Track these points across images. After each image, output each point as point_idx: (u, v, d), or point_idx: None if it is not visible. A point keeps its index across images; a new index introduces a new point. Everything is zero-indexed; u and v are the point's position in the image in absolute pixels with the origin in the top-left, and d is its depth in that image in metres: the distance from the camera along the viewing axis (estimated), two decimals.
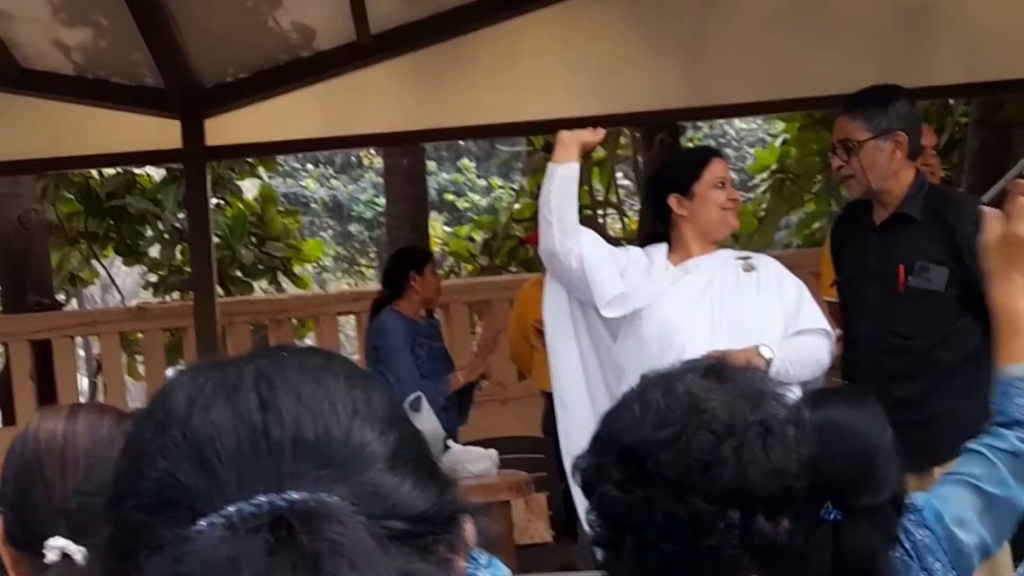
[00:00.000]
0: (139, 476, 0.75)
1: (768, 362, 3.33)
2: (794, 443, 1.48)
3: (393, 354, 5.30)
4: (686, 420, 1.47)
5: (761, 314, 3.49)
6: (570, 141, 3.59)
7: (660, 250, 3.66)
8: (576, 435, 3.58)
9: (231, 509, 0.69)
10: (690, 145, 10.89)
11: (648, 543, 1.46)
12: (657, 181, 3.92)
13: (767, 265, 3.66)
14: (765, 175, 10.31)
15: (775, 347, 3.40)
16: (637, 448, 1.48)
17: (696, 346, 3.32)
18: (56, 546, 1.37)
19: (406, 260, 5.65)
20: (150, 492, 0.73)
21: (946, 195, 3.91)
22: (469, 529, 0.78)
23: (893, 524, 1.84)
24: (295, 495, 0.70)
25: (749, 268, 3.60)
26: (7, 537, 1.50)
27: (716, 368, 1.57)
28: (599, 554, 1.54)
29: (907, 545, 1.88)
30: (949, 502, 1.91)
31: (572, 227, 3.53)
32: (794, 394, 1.66)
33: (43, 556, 1.39)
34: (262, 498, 0.69)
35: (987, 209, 2.13)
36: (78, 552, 1.37)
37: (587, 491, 1.54)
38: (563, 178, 3.54)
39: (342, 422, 0.75)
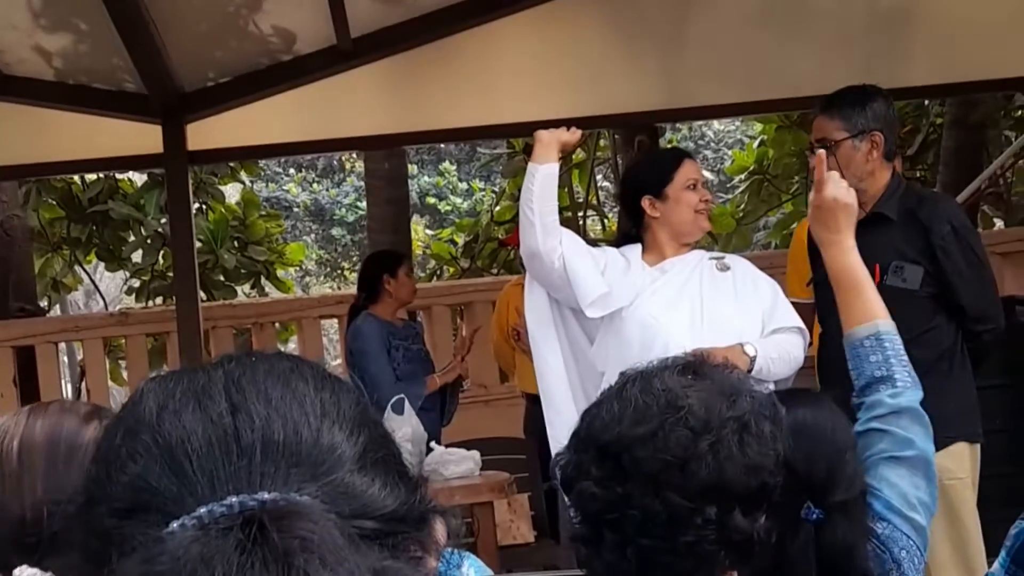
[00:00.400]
0: (110, 481, 0.75)
1: (752, 360, 3.36)
2: (770, 439, 1.50)
3: (367, 357, 5.32)
4: (663, 417, 1.49)
5: (740, 313, 3.52)
6: (549, 140, 3.62)
7: (635, 251, 3.67)
8: (563, 435, 3.59)
9: (202, 510, 0.70)
10: (670, 146, 10.95)
11: (626, 539, 1.48)
12: (629, 183, 3.94)
13: (741, 265, 3.70)
14: (743, 176, 10.37)
15: (757, 345, 3.43)
16: (614, 445, 1.50)
17: (677, 345, 3.30)
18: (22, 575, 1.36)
19: (379, 264, 5.66)
20: (121, 497, 0.74)
21: (921, 195, 3.96)
22: (440, 529, 0.80)
23: (866, 516, 1.87)
24: (266, 495, 0.71)
25: (723, 268, 3.64)
26: None
27: (693, 365, 1.58)
28: (579, 550, 1.56)
29: (875, 540, 1.90)
30: (885, 487, 1.91)
31: (553, 226, 3.53)
32: (768, 391, 1.68)
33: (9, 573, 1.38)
34: (233, 499, 0.71)
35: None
36: None
37: (566, 488, 1.56)
38: (543, 177, 3.56)
39: (311, 424, 0.76)
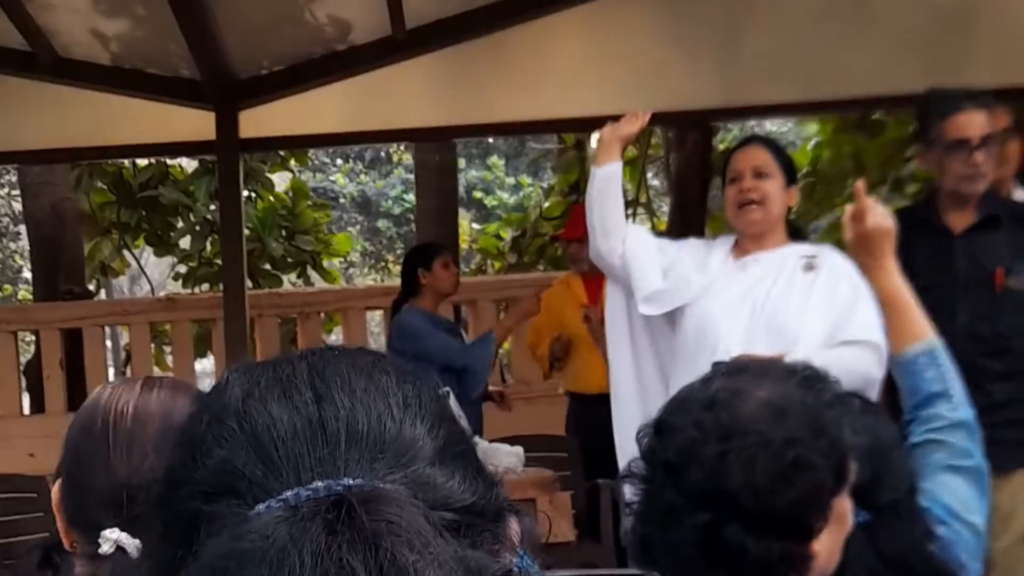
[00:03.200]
0: (195, 465, 0.76)
1: None
2: (795, 468, 1.45)
3: (422, 339, 5.26)
4: (697, 415, 1.49)
5: (802, 318, 3.33)
6: (609, 140, 3.55)
7: (727, 242, 3.55)
8: (628, 430, 3.57)
9: (289, 493, 0.70)
10: (721, 146, 10.86)
11: (639, 521, 1.52)
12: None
13: (832, 266, 3.42)
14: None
15: (808, 356, 3.27)
16: (660, 426, 1.53)
17: (728, 346, 3.28)
18: (111, 538, 1.36)
19: (414, 258, 5.63)
20: (206, 480, 0.75)
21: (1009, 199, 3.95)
22: (515, 527, 0.79)
23: (919, 512, 1.84)
24: (351, 481, 0.71)
25: (809, 268, 3.41)
26: (62, 506, 1.49)
27: (770, 371, 1.57)
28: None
29: (937, 543, 1.87)
30: (946, 493, 1.90)
31: (614, 228, 3.49)
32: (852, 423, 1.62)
33: (96, 539, 1.38)
34: (319, 483, 0.71)
35: (846, 211, 2.27)
36: (132, 545, 1.37)
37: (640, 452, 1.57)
38: (603, 179, 3.52)
39: (394, 415, 0.77)
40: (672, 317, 3.49)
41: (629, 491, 1.56)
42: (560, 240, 5.71)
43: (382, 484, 0.72)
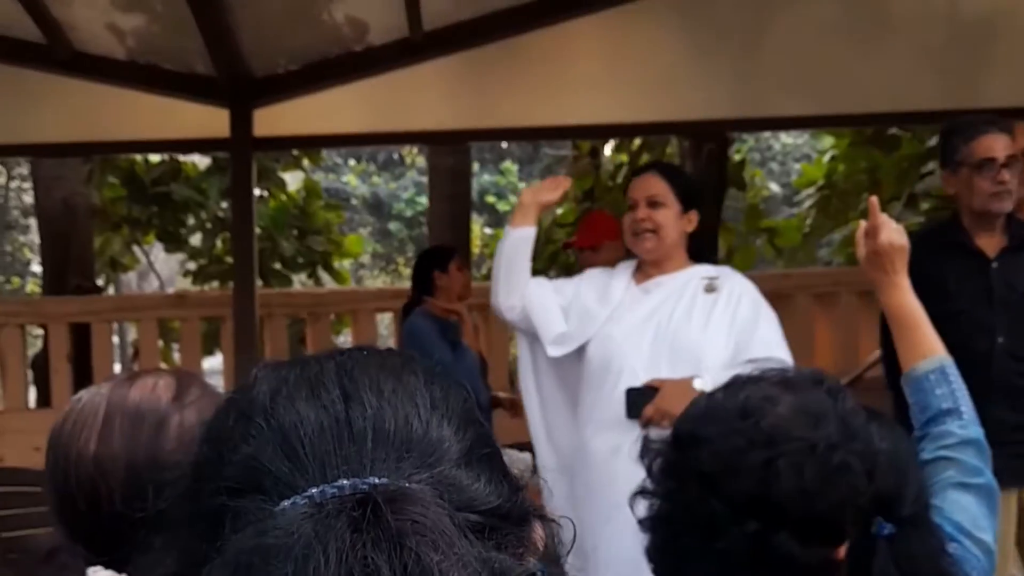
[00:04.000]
0: (221, 461, 0.76)
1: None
2: (839, 471, 1.45)
3: (429, 348, 5.25)
4: (732, 423, 1.48)
5: (703, 341, 3.37)
6: (529, 203, 3.60)
7: (629, 267, 3.64)
8: (546, 473, 3.65)
9: (314, 490, 0.71)
10: (737, 157, 10.83)
11: (672, 534, 1.50)
12: None
13: (732, 286, 3.50)
14: (811, 190, 10.22)
15: (712, 377, 3.27)
16: (686, 438, 1.51)
17: (633, 372, 3.37)
18: None
19: (429, 259, 5.59)
20: (233, 476, 0.75)
21: None
22: (539, 532, 0.79)
23: (935, 528, 1.84)
24: (376, 480, 0.71)
25: (711, 289, 3.48)
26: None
27: (789, 380, 1.55)
28: (646, 527, 1.55)
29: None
30: (956, 510, 1.89)
31: (516, 288, 3.58)
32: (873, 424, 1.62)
33: (84, 540, 1.37)
34: (345, 481, 0.71)
35: (860, 227, 2.29)
36: None
37: (648, 470, 1.55)
38: (515, 241, 3.58)
39: (422, 416, 0.77)
40: (579, 351, 3.55)
41: (642, 509, 1.55)
42: (572, 248, 5.68)
43: (408, 484, 0.72)
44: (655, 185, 3.56)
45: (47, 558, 1.45)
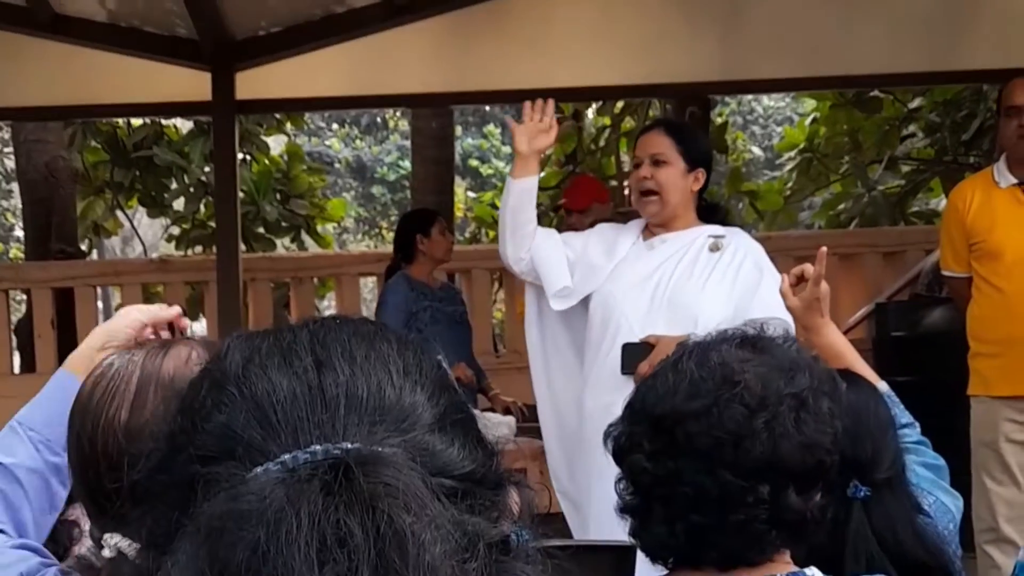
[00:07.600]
0: (195, 430, 0.76)
1: None
2: (828, 416, 1.46)
3: (384, 311, 5.25)
4: (718, 392, 1.45)
5: (701, 299, 3.36)
6: (527, 153, 3.51)
7: (639, 224, 3.61)
8: (551, 443, 3.69)
9: (287, 456, 0.71)
10: (719, 120, 10.83)
11: (676, 514, 1.46)
12: None
13: (738, 245, 3.47)
14: (792, 153, 10.22)
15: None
16: (668, 418, 1.47)
17: (630, 327, 3.37)
18: (112, 544, 1.34)
19: (412, 223, 5.58)
20: (206, 445, 0.75)
21: None
22: (514, 497, 0.80)
23: (911, 492, 1.89)
24: (349, 445, 0.72)
25: (715, 247, 3.46)
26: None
27: (752, 339, 1.54)
28: (628, 522, 1.53)
29: (925, 514, 1.96)
30: (922, 479, 2.05)
31: (524, 239, 3.53)
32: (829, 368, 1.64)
33: (104, 508, 1.36)
34: (317, 446, 0.71)
35: (784, 281, 2.43)
36: (132, 550, 1.33)
37: (618, 459, 1.53)
38: (519, 192, 3.52)
39: (394, 382, 0.77)
40: (585, 306, 3.54)
41: (621, 496, 1.52)
42: (563, 209, 5.69)
43: (380, 449, 0.72)
44: (660, 143, 3.53)
45: (63, 522, 1.46)
